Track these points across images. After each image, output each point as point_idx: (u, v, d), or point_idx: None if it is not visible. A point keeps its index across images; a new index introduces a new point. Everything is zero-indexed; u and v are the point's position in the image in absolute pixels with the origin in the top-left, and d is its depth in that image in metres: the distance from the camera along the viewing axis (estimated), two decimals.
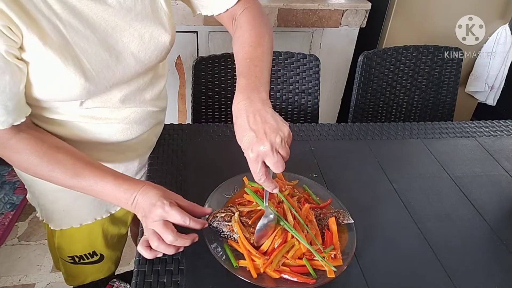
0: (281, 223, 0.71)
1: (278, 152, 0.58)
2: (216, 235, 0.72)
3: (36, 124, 0.72)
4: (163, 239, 0.63)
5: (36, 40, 0.58)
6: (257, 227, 0.70)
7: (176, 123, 1.08)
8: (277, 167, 0.59)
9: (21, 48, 0.58)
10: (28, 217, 1.86)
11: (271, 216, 0.71)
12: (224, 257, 0.68)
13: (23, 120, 0.64)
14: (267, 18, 0.79)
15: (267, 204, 0.71)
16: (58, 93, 0.65)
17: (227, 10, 0.78)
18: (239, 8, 0.78)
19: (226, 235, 0.71)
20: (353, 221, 0.77)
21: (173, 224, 0.64)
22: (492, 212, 0.88)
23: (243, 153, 0.60)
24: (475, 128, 1.19)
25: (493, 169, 1.02)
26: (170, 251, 0.63)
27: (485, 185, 0.97)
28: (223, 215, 0.72)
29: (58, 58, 0.60)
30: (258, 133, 0.57)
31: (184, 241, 0.63)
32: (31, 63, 0.60)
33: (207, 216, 0.72)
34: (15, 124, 0.63)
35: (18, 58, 0.59)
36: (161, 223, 0.63)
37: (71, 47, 0.62)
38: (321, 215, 0.78)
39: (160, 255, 0.64)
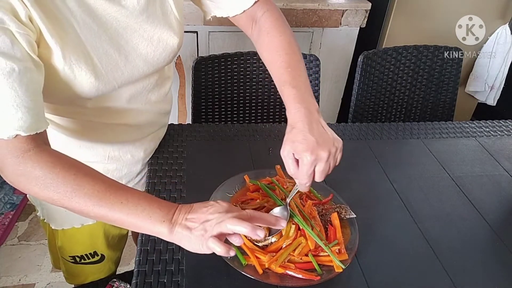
0: (295, 219, 0.72)
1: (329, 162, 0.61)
2: None
3: None
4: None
5: (51, 35, 0.57)
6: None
7: (176, 123, 1.08)
8: (322, 176, 0.62)
9: (36, 42, 0.58)
10: (28, 217, 1.85)
11: (285, 213, 0.71)
12: (230, 256, 0.68)
13: (46, 128, 0.59)
14: (287, 22, 0.77)
15: (288, 201, 0.72)
16: (68, 90, 0.64)
17: (244, 11, 0.76)
18: (258, 10, 0.76)
19: None
20: (355, 216, 0.78)
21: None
22: (492, 212, 0.88)
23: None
24: (475, 128, 1.19)
25: (493, 169, 1.02)
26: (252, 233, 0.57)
27: (485, 185, 0.97)
28: None
29: (70, 55, 0.60)
30: (318, 140, 0.60)
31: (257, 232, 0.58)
32: (44, 58, 0.60)
33: None
34: (39, 131, 0.57)
35: (36, 55, 0.57)
36: (234, 215, 0.58)
37: (84, 45, 0.62)
38: (323, 211, 0.79)
39: (232, 253, 0.58)
